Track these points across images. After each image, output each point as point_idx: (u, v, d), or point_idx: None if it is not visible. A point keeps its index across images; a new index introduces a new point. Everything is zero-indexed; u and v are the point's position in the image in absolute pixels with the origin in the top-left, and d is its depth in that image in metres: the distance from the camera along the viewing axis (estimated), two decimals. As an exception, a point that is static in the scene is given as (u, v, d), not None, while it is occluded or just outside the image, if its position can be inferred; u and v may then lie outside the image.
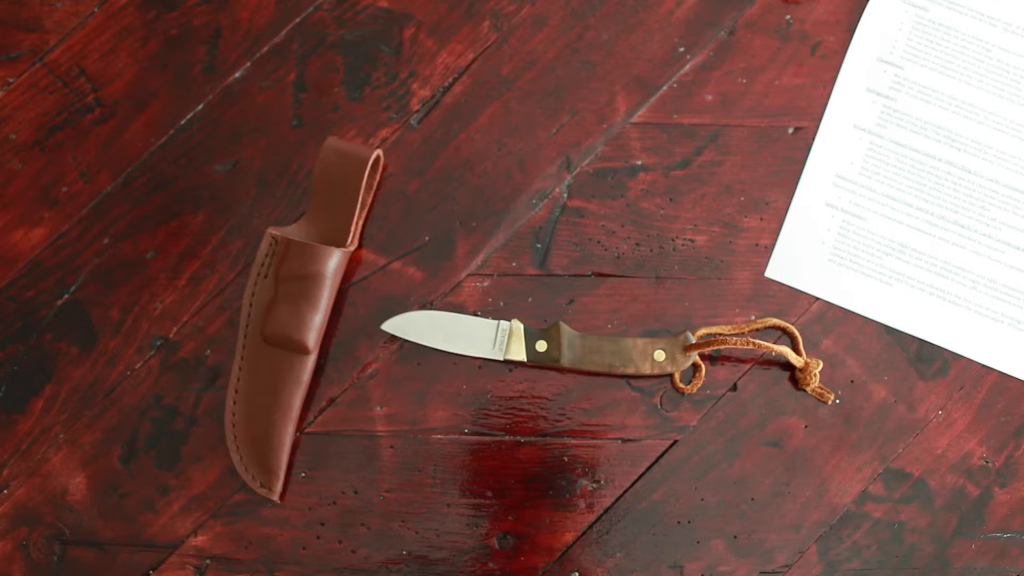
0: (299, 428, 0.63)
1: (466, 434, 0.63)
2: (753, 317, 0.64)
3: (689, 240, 0.65)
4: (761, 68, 0.67)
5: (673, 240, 0.65)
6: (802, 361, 0.62)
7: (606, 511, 0.62)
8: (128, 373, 0.64)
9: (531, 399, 0.63)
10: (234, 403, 0.62)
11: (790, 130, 0.66)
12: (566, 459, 0.63)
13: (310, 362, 0.62)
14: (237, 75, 0.67)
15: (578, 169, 0.66)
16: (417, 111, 0.67)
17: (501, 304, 0.64)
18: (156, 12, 0.68)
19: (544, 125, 0.66)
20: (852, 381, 0.63)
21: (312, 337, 0.61)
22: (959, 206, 0.65)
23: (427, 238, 0.65)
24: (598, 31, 0.67)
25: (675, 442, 0.63)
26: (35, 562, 0.62)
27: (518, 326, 0.63)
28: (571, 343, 0.62)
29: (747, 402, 0.63)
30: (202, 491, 0.62)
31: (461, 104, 0.67)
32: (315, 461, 0.63)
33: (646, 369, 0.62)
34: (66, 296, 0.64)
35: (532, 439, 0.63)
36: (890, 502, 0.62)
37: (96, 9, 0.68)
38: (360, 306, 0.64)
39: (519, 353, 0.62)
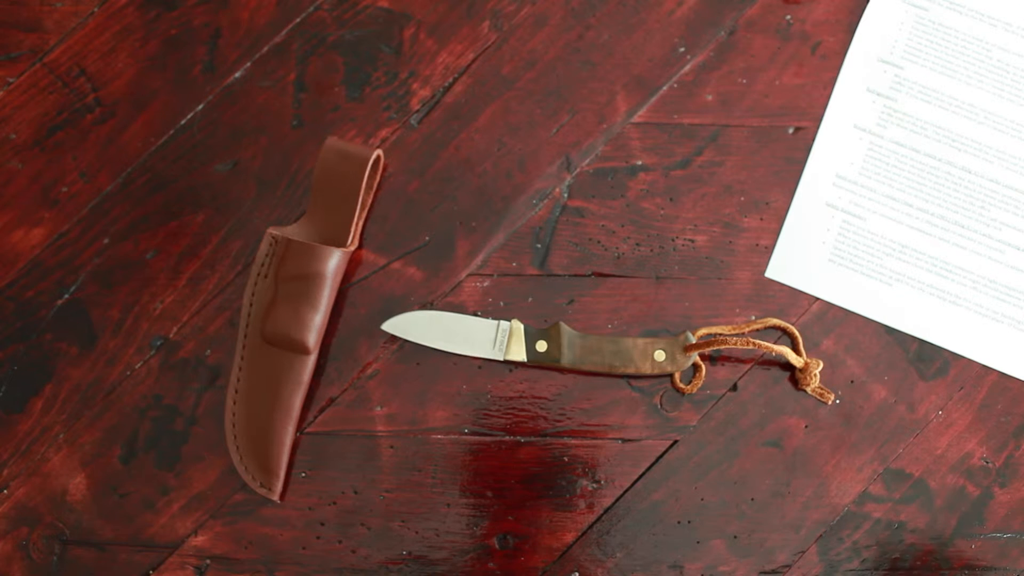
0: (299, 428, 0.63)
1: (466, 434, 0.63)
2: (753, 317, 0.64)
3: (689, 240, 0.65)
4: (761, 68, 0.67)
5: (673, 240, 0.65)
6: (802, 361, 0.62)
7: (606, 511, 0.62)
8: (128, 373, 0.64)
9: (531, 399, 0.63)
10: (234, 403, 0.62)
11: (790, 130, 0.66)
12: (566, 459, 0.63)
13: (310, 362, 0.62)
14: (237, 75, 0.67)
15: (578, 169, 0.66)
16: (417, 111, 0.66)
17: (501, 304, 0.64)
18: (156, 12, 0.68)
19: (544, 125, 0.66)
20: (852, 381, 0.63)
21: (312, 337, 0.61)
22: (959, 206, 0.65)
23: (427, 238, 0.65)
24: (598, 31, 0.67)
25: (675, 442, 0.63)
26: (35, 562, 0.62)
27: (518, 326, 0.63)
28: (571, 343, 0.62)
29: (747, 402, 0.63)
30: (202, 491, 0.62)
31: (461, 104, 0.67)
32: (315, 461, 0.63)
33: (646, 369, 0.62)
34: (66, 296, 0.64)
35: (532, 439, 0.63)
36: (890, 502, 0.62)
37: (96, 9, 0.68)
38: (360, 306, 0.64)
39: (519, 353, 0.62)
